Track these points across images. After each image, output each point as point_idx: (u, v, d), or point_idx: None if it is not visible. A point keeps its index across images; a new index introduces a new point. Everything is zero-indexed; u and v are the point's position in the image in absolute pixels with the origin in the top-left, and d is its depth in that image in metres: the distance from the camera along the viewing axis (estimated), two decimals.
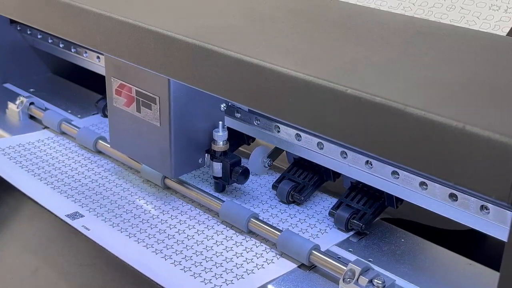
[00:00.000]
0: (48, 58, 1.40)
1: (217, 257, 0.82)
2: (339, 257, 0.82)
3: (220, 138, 0.92)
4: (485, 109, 0.50)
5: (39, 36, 1.34)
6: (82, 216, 0.91)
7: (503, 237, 0.71)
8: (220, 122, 0.92)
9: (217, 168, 0.93)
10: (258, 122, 0.95)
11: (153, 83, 0.88)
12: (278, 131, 0.93)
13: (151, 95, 0.88)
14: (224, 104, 0.93)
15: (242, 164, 0.93)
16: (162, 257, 0.82)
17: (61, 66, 1.41)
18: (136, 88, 0.90)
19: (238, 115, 0.98)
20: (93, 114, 1.23)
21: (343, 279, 0.74)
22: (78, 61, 1.28)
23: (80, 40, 0.82)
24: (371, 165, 0.83)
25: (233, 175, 0.92)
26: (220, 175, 0.93)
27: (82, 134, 1.10)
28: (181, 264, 0.81)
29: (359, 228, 0.86)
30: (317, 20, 0.74)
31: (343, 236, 0.87)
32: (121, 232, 0.88)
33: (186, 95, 0.88)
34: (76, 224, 0.89)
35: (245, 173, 0.92)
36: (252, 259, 0.82)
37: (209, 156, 0.93)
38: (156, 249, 0.84)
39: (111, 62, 0.93)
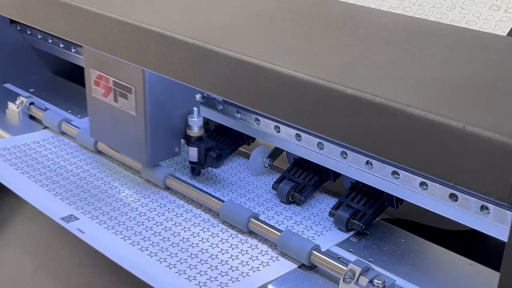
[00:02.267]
0: (48, 58, 1.39)
1: (218, 257, 0.82)
2: (339, 257, 0.81)
3: (195, 124, 0.94)
4: (485, 109, 0.50)
5: (39, 36, 1.34)
6: (77, 219, 0.91)
7: (503, 237, 0.71)
8: (195, 108, 0.94)
9: (193, 153, 0.95)
10: (258, 122, 0.95)
11: (129, 73, 0.89)
12: (278, 131, 0.93)
13: (127, 85, 0.90)
14: (200, 95, 0.94)
15: (216, 150, 0.95)
16: (164, 257, 0.82)
17: (61, 66, 1.41)
18: (113, 79, 0.92)
19: (239, 115, 0.98)
20: None
21: (343, 279, 0.74)
22: (78, 61, 1.28)
23: (80, 40, 0.82)
24: (371, 165, 0.83)
25: (207, 159, 0.94)
26: (196, 160, 0.95)
27: (82, 134, 1.10)
28: (181, 264, 0.81)
29: (359, 228, 0.85)
30: (317, 20, 0.74)
31: (343, 236, 0.86)
32: (116, 234, 0.87)
33: (161, 85, 0.90)
34: (70, 227, 0.89)
35: (219, 158, 0.94)
36: (252, 259, 0.82)
37: (185, 142, 0.95)
38: (158, 254, 0.84)
39: (90, 54, 0.94)
